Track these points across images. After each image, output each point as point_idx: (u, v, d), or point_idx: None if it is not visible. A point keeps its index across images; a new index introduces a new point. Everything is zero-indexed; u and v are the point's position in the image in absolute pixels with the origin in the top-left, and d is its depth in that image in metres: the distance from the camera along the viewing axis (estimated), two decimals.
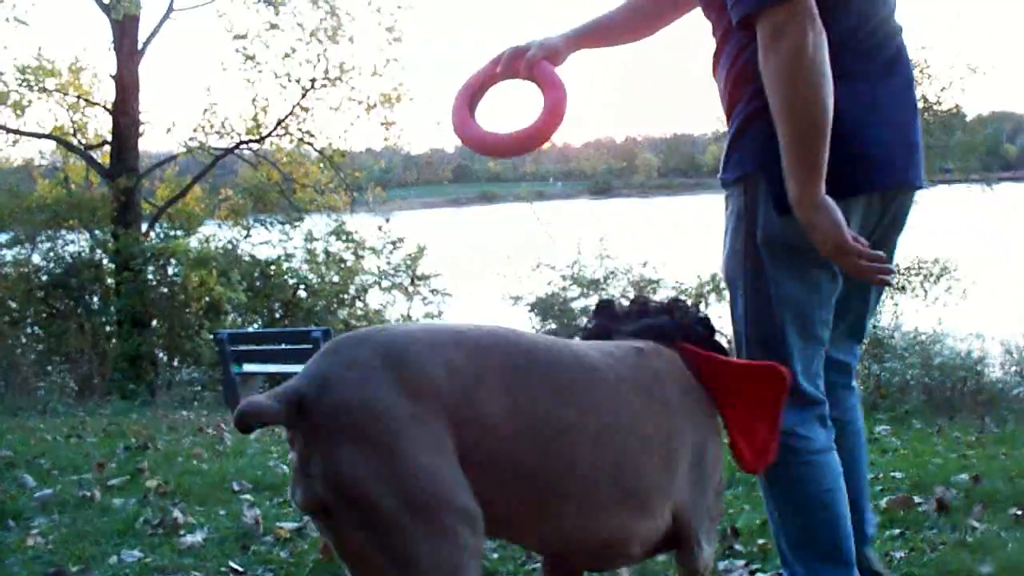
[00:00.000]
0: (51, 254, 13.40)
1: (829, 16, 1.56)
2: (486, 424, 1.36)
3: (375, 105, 13.79)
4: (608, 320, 1.83)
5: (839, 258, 1.60)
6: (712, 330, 1.83)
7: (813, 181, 1.57)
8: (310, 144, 14.30)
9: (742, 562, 2.43)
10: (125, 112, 13.18)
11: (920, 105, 13.78)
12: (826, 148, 1.56)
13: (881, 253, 1.62)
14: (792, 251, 1.69)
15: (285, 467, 3.98)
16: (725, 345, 1.87)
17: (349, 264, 14.13)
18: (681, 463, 1.60)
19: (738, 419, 1.69)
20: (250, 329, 12.46)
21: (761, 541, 2.59)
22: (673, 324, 1.78)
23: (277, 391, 1.32)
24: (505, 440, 1.38)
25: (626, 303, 1.87)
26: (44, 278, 13.30)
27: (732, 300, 1.82)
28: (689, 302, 1.90)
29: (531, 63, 1.90)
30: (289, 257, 14.02)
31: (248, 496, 3.37)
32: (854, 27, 1.67)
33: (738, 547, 2.55)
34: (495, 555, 2.51)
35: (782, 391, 1.63)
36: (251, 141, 14.17)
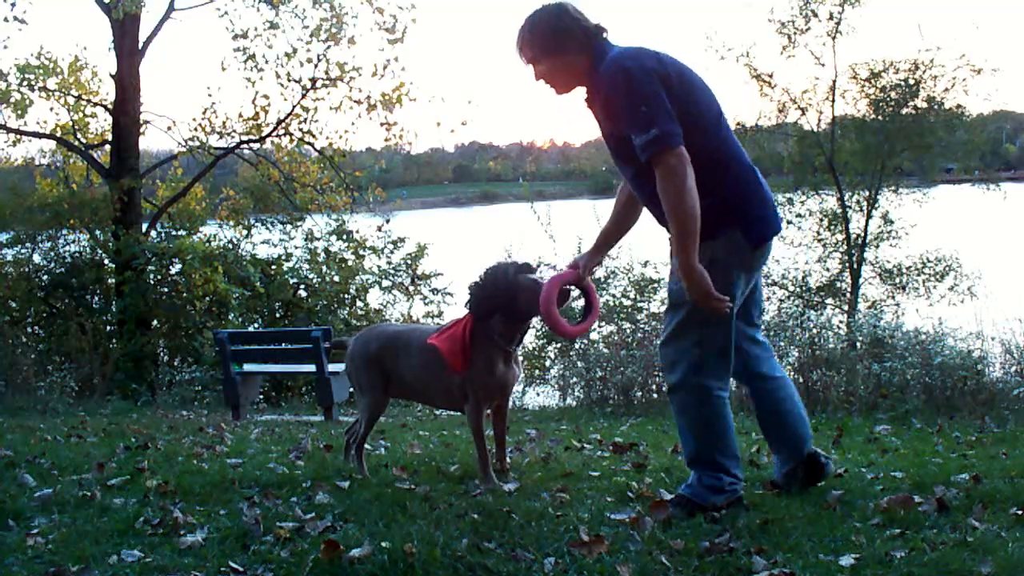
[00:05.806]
0: (52, 254, 13.41)
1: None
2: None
3: (376, 106, 13.78)
4: None
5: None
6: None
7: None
8: (310, 144, 14.31)
9: (742, 559, 2.43)
10: (125, 112, 13.18)
11: (924, 104, 13.68)
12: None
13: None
14: None
15: (284, 467, 3.98)
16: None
17: (350, 264, 14.12)
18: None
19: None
20: (250, 329, 12.46)
21: (761, 540, 2.60)
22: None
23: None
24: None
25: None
26: (45, 278, 13.31)
27: None
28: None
29: (582, 280, 3.25)
30: (289, 257, 14.02)
31: (248, 495, 3.37)
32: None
33: (735, 544, 2.55)
34: (496, 554, 2.51)
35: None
36: (251, 141, 14.17)
